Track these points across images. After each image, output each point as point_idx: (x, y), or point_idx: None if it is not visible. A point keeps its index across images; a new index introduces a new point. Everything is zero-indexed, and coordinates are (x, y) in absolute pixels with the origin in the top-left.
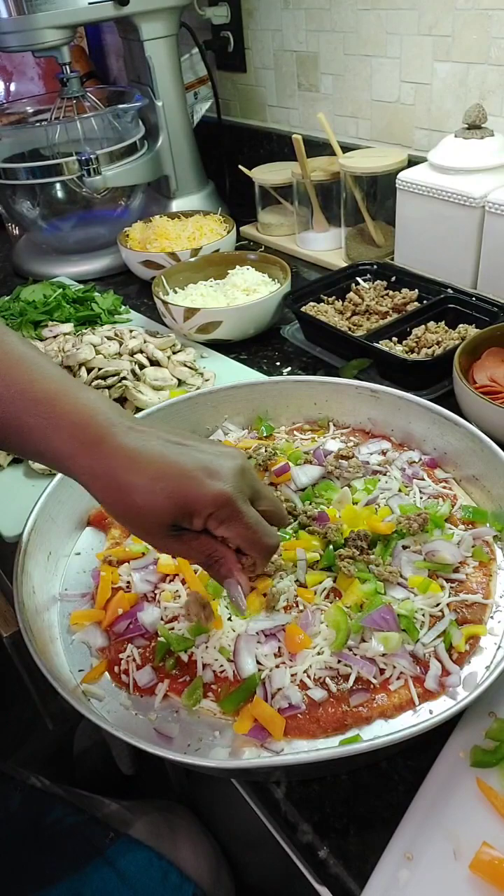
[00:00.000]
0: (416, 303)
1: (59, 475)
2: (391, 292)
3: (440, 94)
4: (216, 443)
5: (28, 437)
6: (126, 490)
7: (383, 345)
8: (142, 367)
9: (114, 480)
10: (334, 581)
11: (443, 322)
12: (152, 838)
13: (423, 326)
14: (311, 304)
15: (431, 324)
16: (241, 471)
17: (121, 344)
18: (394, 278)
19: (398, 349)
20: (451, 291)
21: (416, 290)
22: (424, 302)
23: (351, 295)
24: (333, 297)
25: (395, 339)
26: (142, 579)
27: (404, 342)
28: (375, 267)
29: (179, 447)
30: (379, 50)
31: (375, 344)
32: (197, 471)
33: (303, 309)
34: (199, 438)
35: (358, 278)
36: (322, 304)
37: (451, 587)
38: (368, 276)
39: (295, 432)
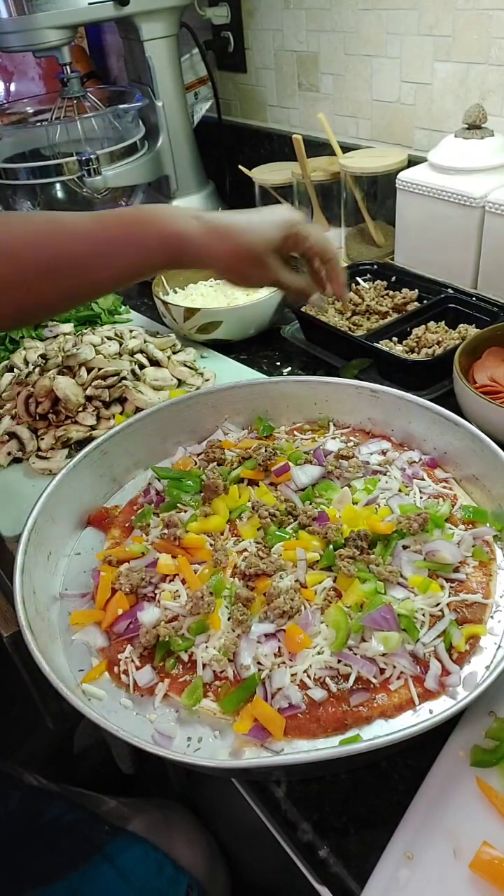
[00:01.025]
0: (416, 303)
1: (60, 475)
2: (391, 292)
3: (440, 94)
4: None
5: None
6: (236, 237)
7: (383, 345)
8: (142, 367)
9: (225, 232)
10: (334, 581)
11: (443, 322)
12: (149, 834)
13: (423, 326)
14: None
15: (431, 324)
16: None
17: (121, 344)
18: (394, 278)
19: (398, 349)
20: (452, 291)
21: (416, 290)
22: (424, 302)
23: (351, 295)
24: (333, 297)
25: (395, 339)
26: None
27: (404, 342)
28: (376, 267)
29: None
30: (379, 50)
31: (375, 344)
32: (279, 210)
33: (303, 309)
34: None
35: (358, 278)
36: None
37: (451, 587)
38: (369, 275)
39: (295, 432)
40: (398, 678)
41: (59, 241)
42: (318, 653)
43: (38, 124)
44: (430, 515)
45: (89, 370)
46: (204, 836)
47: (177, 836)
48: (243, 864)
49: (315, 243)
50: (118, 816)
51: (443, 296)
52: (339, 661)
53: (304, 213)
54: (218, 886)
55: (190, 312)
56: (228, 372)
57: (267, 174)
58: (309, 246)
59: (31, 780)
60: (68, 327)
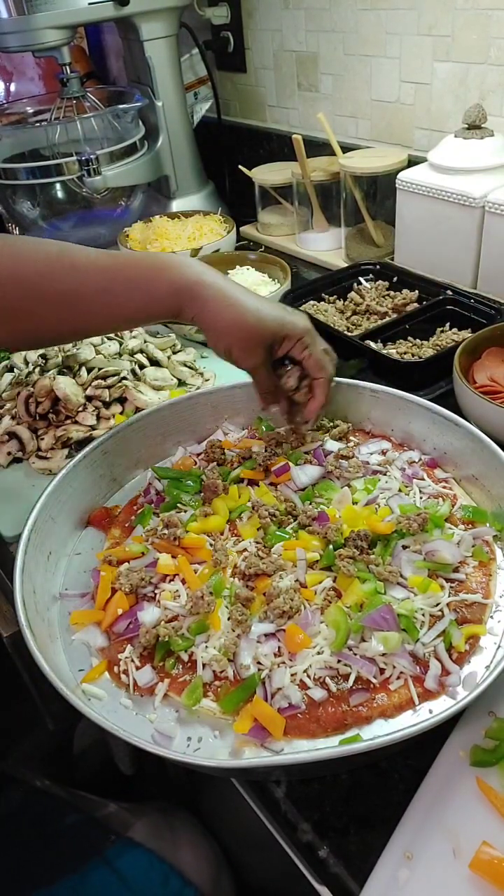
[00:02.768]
0: (415, 304)
1: (60, 475)
2: (392, 293)
3: (440, 94)
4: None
5: (152, 285)
6: (243, 309)
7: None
8: (142, 367)
9: (234, 301)
10: (334, 581)
11: (447, 324)
12: (153, 840)
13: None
14: (312, 302)
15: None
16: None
17: (121, 344)
18: (395, 279)
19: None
20: (450, 293)
21: (417, 291)
22: (424, 303)
23: (352, 294)
24: (335, 297)
25: (417, 339)
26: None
27: (399, 342)
28: (378, 267)
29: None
30: (379, 50)
31: (371, 344)
32: (294, 312)
33: (302, 307)
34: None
35: (360, 278)
36: (322, 302)
37: (451, 587)
38: (371, 276)
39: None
40: (398, 678)
41: (72, 275)
42: (318, 653)
43: (38, 124)
44: (430, 515)
45: (89, 370)
46: (208, 841)
47: (181, 842)
48: (245, 865)
49: (315, 358)
50: (120, 821)
51: (441, 297)
52: (338, 661)
53: (312, 330)
54: (222, 894)
55: None
56: (228, 372)
57: (267, 174)
58: (306, 356)
59: (33, 782)
60: None
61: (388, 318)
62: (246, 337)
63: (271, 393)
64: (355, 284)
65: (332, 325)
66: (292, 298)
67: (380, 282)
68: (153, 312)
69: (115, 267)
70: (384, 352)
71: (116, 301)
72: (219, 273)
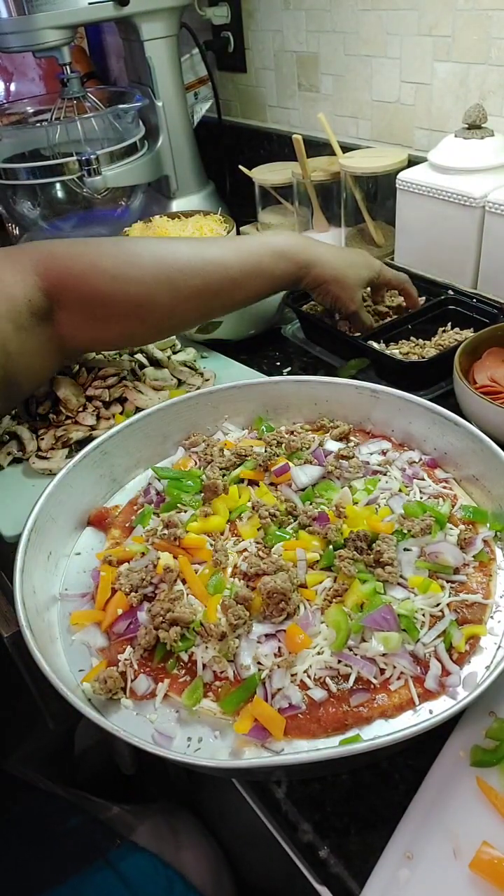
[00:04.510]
0: None
1: (60, 475)
2: (393, 293)
3: (440, 94)
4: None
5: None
6: (343, 274)
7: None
8: (142, 366)
9: (337, 266)
10: (334, 581)
11: (449, 324)
12: (155, 843)
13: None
14: (312, 303)
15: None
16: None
17: None
18: None
19: (396, 351)
20: (451, 293)
21: (417, 291)
22: (425, 303)
23: None
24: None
25: (420, 339)
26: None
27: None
28: None
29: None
30: (379, 50)
31: (374, 344)
32: (376, 262)
33: (303, 307)
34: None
35: None
36: None
37: (452, 587)
38: None
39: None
40: (398, 678)
41: (206, 272)
42: (319, 653)
43: (38, 124)
44: (436, 518)
45: (89, 370)
46: (209, 842)
47: (183, 844)
48: (245, 865)
49: (393, 280)
50: (123, 824)
51: (442, 297)
52: (339, 662)
53: (388, 269)
54: (224, 895)
55: None
56: (228, 372)
57: (267, 174)
58: (388, 281)
59: (37, 784)
60: None
61: (389, 319)
62: (347, 291)
63: (365, 325)
64: None
65: (333, 325)
66: (293, 298)
67: None
68: (270, 292)
69: (239, 260)
70: (387, 352)
71: (243, 286)
72: (320, 244)
